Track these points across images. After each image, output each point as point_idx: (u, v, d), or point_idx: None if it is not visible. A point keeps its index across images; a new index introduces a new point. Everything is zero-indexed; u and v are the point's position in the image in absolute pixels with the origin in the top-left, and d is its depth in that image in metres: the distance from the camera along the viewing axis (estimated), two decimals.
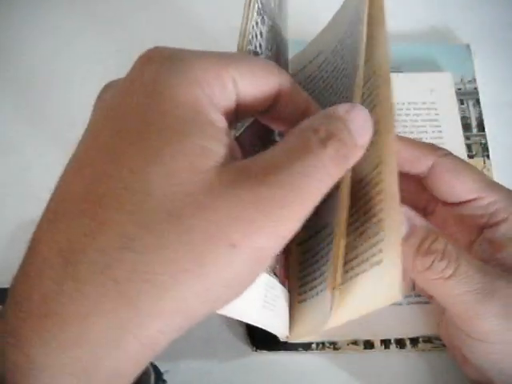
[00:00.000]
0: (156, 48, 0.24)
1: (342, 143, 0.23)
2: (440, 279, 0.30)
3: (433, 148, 0.35)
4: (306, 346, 0.39)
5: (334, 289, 0.30)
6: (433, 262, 0.30)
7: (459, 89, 0.47)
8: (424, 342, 0.39)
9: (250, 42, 0.29)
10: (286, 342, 0.37)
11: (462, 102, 0.47)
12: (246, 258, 0.21)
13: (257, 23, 0.31)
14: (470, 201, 0.35)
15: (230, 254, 0.21)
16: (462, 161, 0.36)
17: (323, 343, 0.39)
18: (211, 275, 0.21)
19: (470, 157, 0.45)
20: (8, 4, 0.51)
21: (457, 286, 0.30)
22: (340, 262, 0.30)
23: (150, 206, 0.20)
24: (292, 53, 0.42)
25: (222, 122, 0.23)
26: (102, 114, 0.23)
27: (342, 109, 0.24)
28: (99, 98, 0.24)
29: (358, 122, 0.24)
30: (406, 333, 0.39)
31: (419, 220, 0.31)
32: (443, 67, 0.48)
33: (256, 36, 0.31)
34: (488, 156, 0.45)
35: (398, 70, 0.47)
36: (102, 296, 0.20)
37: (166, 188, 0.20)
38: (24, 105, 0.48)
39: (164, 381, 0.34)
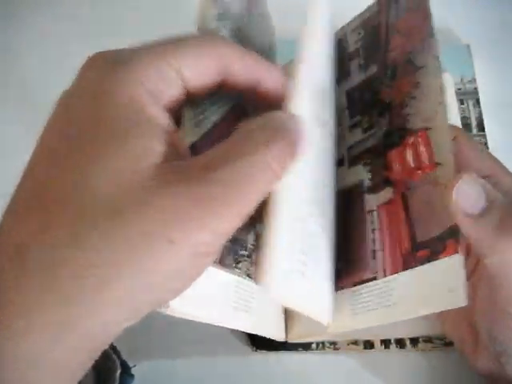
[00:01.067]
0: (99, 53, 0.25)
1: (286, 143, 0.24)
2: None
3: None
4: (306, 346, 0.39)
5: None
6: None
7: (459, 89, 0.47)
8: (424, 341, 0.39)
9: None
10: (286, 342, 0.37)
11: (461, 101, 0.47)
12: (185, 254, 0.22)
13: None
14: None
15: (168, 250, 0.21)
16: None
17: (323, 343, 0.39)
18: (152, 269, 0.22)
19: None
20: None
21: None
22: None
23: (95, 206, 0.21)
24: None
25: (163, 119, 0.24)
26: (52, 119, 0.24)
27: (285, 112, 0.26)
28: (56, 103, 0.25)
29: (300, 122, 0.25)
30: (406, 333, 0.39)
31: (498, 195, 0.29)
32: (443, 67, 0.48)
33: None
34: None
35: None
36: (45, 291, 0.21)
37: (109, 188, 0.22)
38: (19, 108, 0.48)
39: (131, 375, 0.34)
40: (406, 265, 0.30)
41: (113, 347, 0.32)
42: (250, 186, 0.23)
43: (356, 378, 0.39)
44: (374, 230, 0.33)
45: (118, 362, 0.31)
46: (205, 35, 0.29)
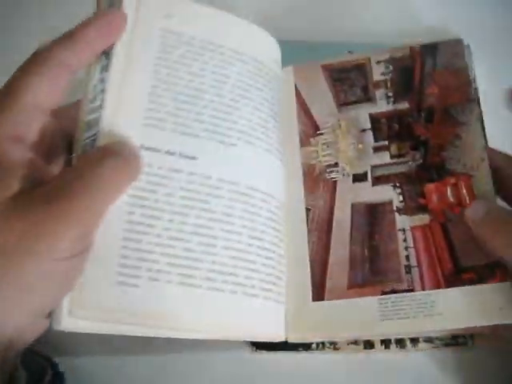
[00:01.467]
0: None
1: (120, 158, 0.29)
2: None
3: None
4: (306, 346, 0.39)
5: None
6: None
7: None
8: (424, 341, 0.39)
9: (93, 99, 0.33)
10: (285, 342, 0.37)
11: None
12: (39, 263, 0.27)
13: (101, 80, 0.33)
14: None
15: (32, 260, 0.27)
16: None
17: (323, 343, 0.39)
18: (18, 280, 0.27)
19: None
20: None
21: None
22: None
23: None
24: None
25: (23, 158, 0.28)
26: None
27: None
28: None
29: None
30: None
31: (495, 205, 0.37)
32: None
33: (102, 91, 0.33)
34: None
35: None
36: None
37: None
38: None
39: (61, 373, 0.35)
40: (450, 283, 0.36)
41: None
42: (89, 198, 0.28)
43: (356, 378, 0.39)
44: (407, 247, 0.38)
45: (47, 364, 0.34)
46: (41, 59, 0.31)
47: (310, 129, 0.42)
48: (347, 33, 0.51)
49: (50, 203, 0.27)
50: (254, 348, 0.39)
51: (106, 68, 0.33)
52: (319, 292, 0.37)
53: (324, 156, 0.41)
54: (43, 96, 0.29)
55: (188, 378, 0.39)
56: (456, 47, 0.42)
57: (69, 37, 0.31)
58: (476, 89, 0.47)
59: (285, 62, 0.43)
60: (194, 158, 0.35)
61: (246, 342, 0.40)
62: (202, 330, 0.34)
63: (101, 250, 0.30)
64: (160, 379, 0.39)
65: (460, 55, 0.41)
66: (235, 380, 0.39)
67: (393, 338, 0.39)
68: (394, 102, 0.42)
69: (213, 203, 0.34)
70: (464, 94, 0.40)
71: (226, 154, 0.36)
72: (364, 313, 0.36)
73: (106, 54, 0.34)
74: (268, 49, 0.41)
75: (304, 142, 0.42)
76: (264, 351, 0.39)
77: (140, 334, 0.32)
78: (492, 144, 0.44)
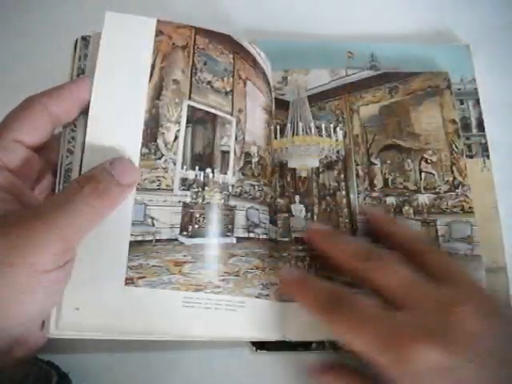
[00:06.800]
0: None
1: (98, 181, 0.32)
2: None
3: None
4: (306, 346, 0.39)
5: None
6: None
7: (459, 89, 0.47)
8: None
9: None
10: (286, 342, 0.37)
11: (461, 102, 0.47)
12: (23, 275, 0.30)
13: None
14: None
15: (9, 271, 0.29)
16: None
17: (323, 343, 0.39)
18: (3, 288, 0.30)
19: (470, 157, 0.45)
20: None
21: None
22: None
23: None
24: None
25: (3, 181, 0.33)
26: None
27: (107, 161, 0.34)
28: None
29: (120, 167, 0.33)
30: None
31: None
32: (443, 67, 0.48)
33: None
34: (488, 156, 0.45)
35: (398, 69, 0.47)
36: None
37: None
38: None
39: (66, 374, 0.36)
40: None
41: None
42: (69, 219, 0.31)
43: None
44: None
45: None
46: (27, 104, 0.35)
47: None
48: (348, 34, 0.51)
49: (34, 220, 0.30)
50: (254, 348, 0.39)
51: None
52: None
53: None
54: (23, 135, 0.34)
55: (188, 377, 0.39)
56: None
57: (56, 88, 0.35)
58: (476, 89, 0.47)
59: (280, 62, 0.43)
60: None
61: (246, 342, 0.40)
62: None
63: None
64: (160, 379, 0.39)
65: None
66: (235, 380, 0.39)
67: None
68: None
69: None
70: None
71: None
72: None
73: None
74: None
75: None
76: (264, 351, 0.39)
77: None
78: (492, 144, 0.45)
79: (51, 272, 0.31)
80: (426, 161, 0.43)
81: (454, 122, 0.44)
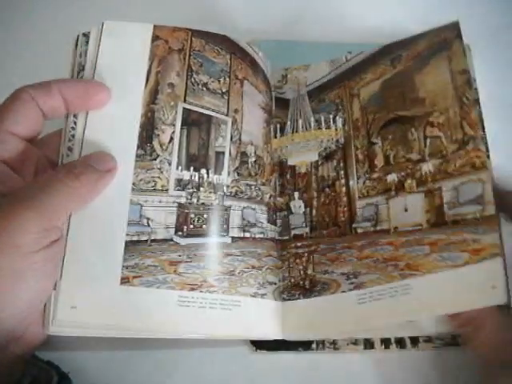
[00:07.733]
0: None
1: (74, 166, 0.34)
2: None
3: None
4: (306, 346, 0.39)
5: None
6: None
7: None
8: (424, 341, 0.39)
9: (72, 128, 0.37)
10: (286, 342, 0.37)
11: None
12: (8, 259, 0.30)
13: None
14: None
15: None
16: None
17: (323, 343, 0.39)
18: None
19: None
20: None
21: None
22: None
23: None
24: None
25: None
26: None
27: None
28: None
29: (94, 156, 0.35)
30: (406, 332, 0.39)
31: None
32: None
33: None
34: (488, 156, 0.44)
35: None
36: None
37: None
38: None
39: (66, 374, 0.36)
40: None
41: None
42: (52, 201, 0.32)
43: (356, 377, 0.39)
44: None
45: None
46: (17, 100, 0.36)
47: None
48: (347, 33, 0.51)
49: (13, 202, 0.31)
50: (254, 348, 0.39)
51: None
52: None
53: None
54: (15, 125, 0.35)
55: (189, 377, 0.39)
56: None
57: (46, 82, 0.36)
58: (476, 89, 0.47)
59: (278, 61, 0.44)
60: None
61: (247, 342, 0.40)
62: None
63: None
64: (160, 378, 0.39)
65: None
66: (235, 380, 0.39)
67: (392, 338, 0.39)
68: None
69: None
70: None
71: None
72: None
73: None
74: None
75: None
76: (264, 351, 0.39)
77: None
78: (493, 144, 0.44)
79: (37, 253, 0.31)
80: (432, 124, 0.41)
81: (463, 72, 0.42)
